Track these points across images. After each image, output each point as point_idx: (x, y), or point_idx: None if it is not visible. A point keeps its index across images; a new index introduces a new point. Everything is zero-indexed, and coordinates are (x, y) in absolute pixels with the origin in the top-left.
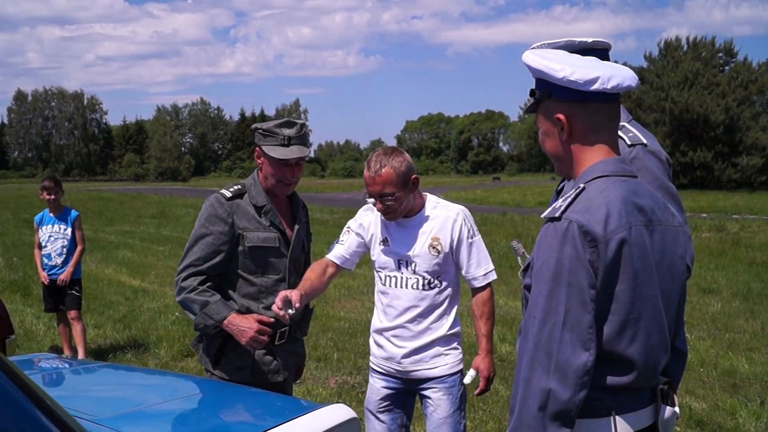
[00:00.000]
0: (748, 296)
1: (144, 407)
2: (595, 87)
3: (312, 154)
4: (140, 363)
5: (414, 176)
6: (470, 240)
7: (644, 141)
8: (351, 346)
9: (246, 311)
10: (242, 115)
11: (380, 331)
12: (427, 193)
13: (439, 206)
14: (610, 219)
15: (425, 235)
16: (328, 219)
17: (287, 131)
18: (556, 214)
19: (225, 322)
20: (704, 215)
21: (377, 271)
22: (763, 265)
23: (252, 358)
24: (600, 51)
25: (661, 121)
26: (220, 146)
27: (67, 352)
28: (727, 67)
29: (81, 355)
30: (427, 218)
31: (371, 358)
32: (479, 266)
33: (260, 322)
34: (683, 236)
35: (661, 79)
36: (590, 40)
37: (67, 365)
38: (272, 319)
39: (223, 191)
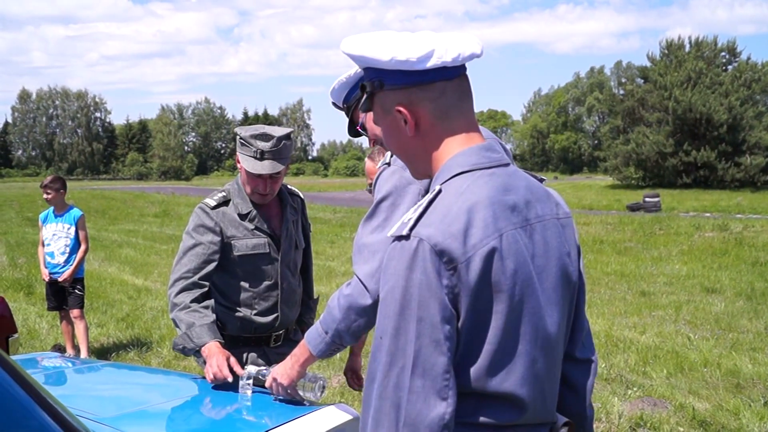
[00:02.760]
0: (751, 296)
1: (146, 406)
2: (432, 63)
3: (315, 154)
4: (143, 362)
5: None
6: None
7: (388, 160)
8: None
9: (240, 319)
10: (245, 114)
11: None
12: None
13: None
14: (471, 229)
15: None
16: (330, 218)
17: (261, 144)
18: (404, 231)
19: (204, 348)
20: (707, 215)
21: None
22: (766, 265)
23: (244, 361)
24: (379, 71)
25: (664, 121)
26: (223, 145)
27: (70, 351)
28: (730, 66)
29: (84, 354)
30: None
31: None
32: None
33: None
34: (570, 229)
35: (664, 78)
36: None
37: (69, 364)
38: (243, 371)
39: (207, 200)
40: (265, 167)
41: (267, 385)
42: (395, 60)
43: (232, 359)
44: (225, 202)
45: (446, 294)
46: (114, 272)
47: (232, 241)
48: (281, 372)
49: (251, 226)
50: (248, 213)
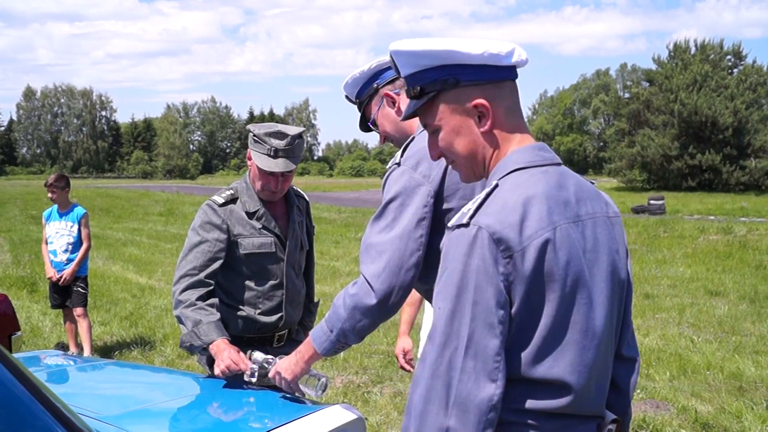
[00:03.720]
0: (755, 299)
1: (149, 405)
2: (515, 59)
3: (320, 154)
4: (146, 361)
5: None
6: None
7: (397, 161)
8: (357, 345)
9: (243, 319)
10: (251, 113)
11: (428, 325)
12: None
13: None
14: (528, 221)
15: None
16: (335, 218)
17: (276, 142)
18: (464, 220)
19: (212, 345)
20: (712, 218)
21: None
22: None
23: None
24: (390, 70)
25: (670, 123)
26: (228, 144)
27: (73, 349)
28: (735, 70)
29: (87, 352)
30: None
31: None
32: None
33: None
34: (619, 227)
35: (670, 81)
36: (384, 60)
37: (72, 362)
38: (254, 365)
39: (215, 198)
40: (279, 165)
41: (270, 375)
42: (488, 53)
43: (241, 354)
44: (233, 200)
45: (502, 281)
46: (118, 270)
47: (239, 239)
48: (285, 367)
49: (258, 225)
50: (256, 211)
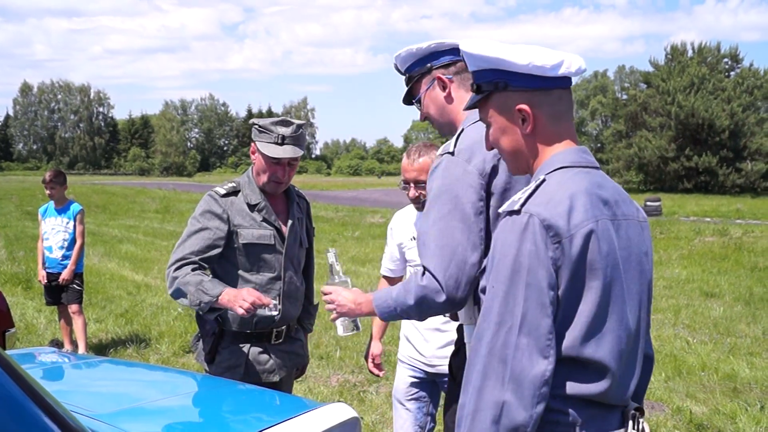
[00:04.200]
0: (750, 301)
1: (144, 403)
2: (562, 71)
3: (318, 152)
4: (141, 358)
5: None
6: None
7: (451, 150)
8: (353, 344)
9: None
10: (249, 111)
11: (411, 325)
12: None
13: None
14: (574, 212)
15: None
16: (332, 217)
17: (282, 130)
18: (515, 207)
19: (222, 295)
20: (708, 219)
21: (408, 268)
22: (765, 270)
23: (246, 357)
24: (444, 53)
25: (667, 125)
26: (226, 142)
27: (67, 347)
28: (732, 73)
29: (81, 349)
30: None
31: (400, 349)
32: None
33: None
34: (647, 231)
35: (667, 83)
36: (434, 43)
37: (67, 360)
38: (270, 301)
39: (217, 188)
40: (287, 151)
41: (326, 291)
42: (533, 65)
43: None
44: (234, 192)
45: (552, 264)
46: (114, 268)
47: (239, 230)
48: (345, 300)
49: (259, 218)
50: (257, 204)
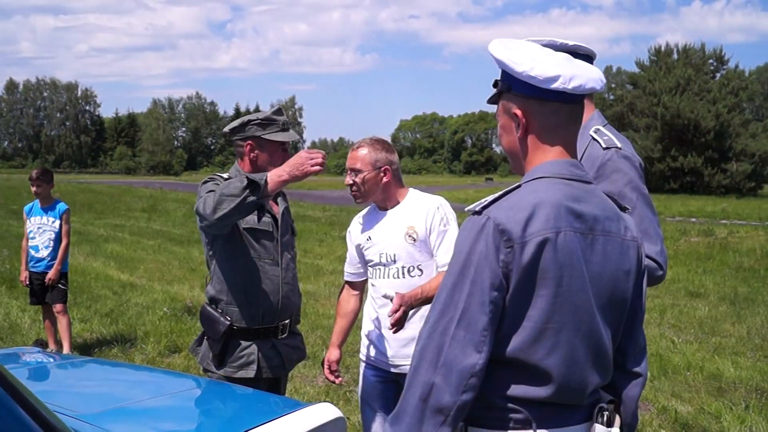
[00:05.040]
0: (734, 301)
1: (129, 404)
2: (555, 86)
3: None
4: (126, 358)
5: (386, 167)
6: (443, 228)
7: (619, 145)
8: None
9: (247, 306)
10: (237, 110)
11: (370, 322)
12: (411, 188)
13: (417, 198)
14: (533, 220)
15: (402, 224)
16: (320, 216)
17: (282, 118)
18: (477, 208)
19: (272, 174)
20: (693, 220)
21: (368, 267)
22: (750, 270)
23: (257, 354)
24: (582, 56)
25: (653, 126)
26: (213, 141)
27: (52, 347)
28: (718, 74)
29: (66, 349)
30: (404, 209)
31: (362, 350)
32: (448, 253)
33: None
34: (634, 251)
35: (653, 84)
36: (571, 43)
37: (51, 360)
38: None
39: (219, 174)
40: (293, 135)
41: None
42: (526, 74)
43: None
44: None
45: (501, 267)
46: (99, 267)
47: None
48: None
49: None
50: None
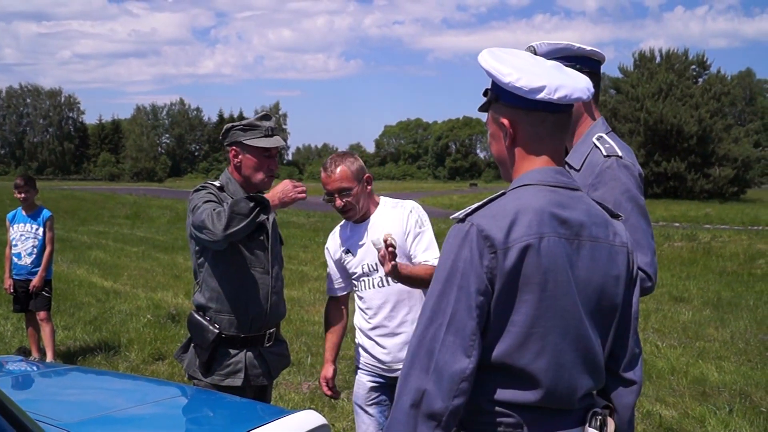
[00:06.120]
0: (718, 305)
1: (112, 412)
2: (540, 96)
3: (290, 157)
4: (110, 366)
5: (367, 174)
6: (418, 230)
7: (620, 153)
8: (323, 351)
9: (236, 313)
10: (221, 116)
11: (362, 333)
12: (381, 196)
13: (390, 205)
14: (516, 226)
15: (379, 233)
16: (304, 222)
17: (268, 123)
18: (461, 216)
19: (269, 194)
20: (677, 224)
21: (352, 280)
22: (733, 275)
23: (244, 362)
24: (594, 62)
25: (636, 131)
26: (198, 147)
27: (35, 354)
28: (700, 79)
29: (49, 357)
30: (379, 218)
31: (357, 357)
32: (428, 251)
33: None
34: (623, 257)
35: (636, 89)
36: (588, 48)
37: (34, 368)
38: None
39: (212, 182)
40: (278, 141)
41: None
42: (512, 84)
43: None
44: (222, 189)
45: (485, 272)
46: (83, 274)
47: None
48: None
49: None
50: None
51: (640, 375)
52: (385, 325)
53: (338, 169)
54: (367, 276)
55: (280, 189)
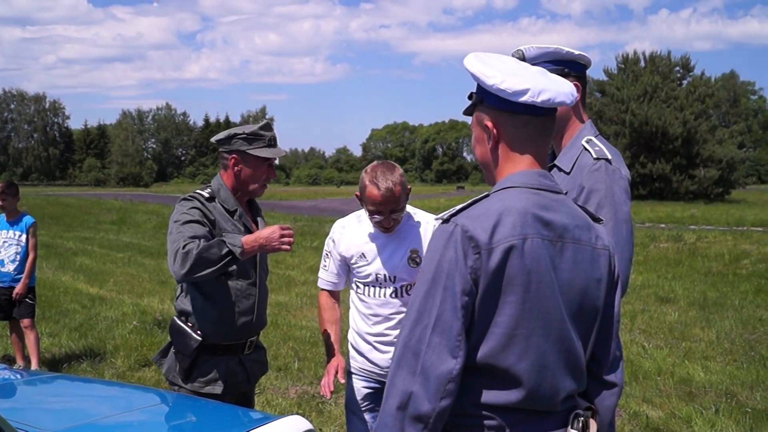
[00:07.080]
0: (704, 305)
1: (98, 419)
2: (524, 99)
3: (276, 161)
4: (96, 373)
5: (409, 187)
6: None
7: (609, 156)
8: (312, 355)
9: (222, 321)
10: (206, 121)
11: (360, 337)
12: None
13: (414, 217)
14: (499, 227)
15: (404, 247)
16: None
17: (270, 134)
18: (445, 216)
19: (246, 244)
20: (662, 226)
21: (356, 281)
22: (718, 275)
23: (224, 370)
24: (581, 65)
25: (622, 133)
26: (184, 152)
27: (19, 362)
28: (684, 81)
29: (34, 365)
30: (404, 230)
31: (351, 362)
32: None
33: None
34: (605, 259)
35: (621, 92)
36: (576, 52)
37: (19, 376)
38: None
39: (200, 192)
40: (280, 152)
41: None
42: (496, 87)
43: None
44: (212, 198)
45: (470, 273)
46: (68, 281)
47: (224, 234)
48: None
49: (239, 224)
50: (235, 210)
51: (621, 377)
52: (388, 334)
53: (396, 189)
54: (380, 286)
55: (266, 234)
